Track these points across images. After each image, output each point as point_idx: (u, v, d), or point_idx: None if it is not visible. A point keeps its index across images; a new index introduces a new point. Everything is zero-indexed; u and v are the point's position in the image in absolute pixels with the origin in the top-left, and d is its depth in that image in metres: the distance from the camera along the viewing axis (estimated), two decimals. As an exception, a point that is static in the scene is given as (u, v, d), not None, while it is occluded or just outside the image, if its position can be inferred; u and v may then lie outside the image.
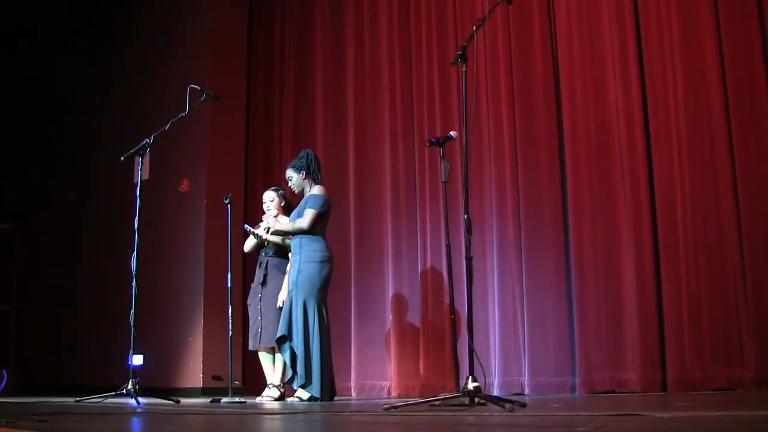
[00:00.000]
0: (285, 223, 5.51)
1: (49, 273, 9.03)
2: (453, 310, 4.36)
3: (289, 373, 5.36)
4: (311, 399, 5.18)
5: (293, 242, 5.44)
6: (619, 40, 5.47)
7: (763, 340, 4.72)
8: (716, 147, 5.06)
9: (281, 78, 7.68)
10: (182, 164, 7.58)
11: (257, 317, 5.74)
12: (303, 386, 5.19)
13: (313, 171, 5.52)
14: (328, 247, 5.42)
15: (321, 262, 5.34)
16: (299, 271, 5.30)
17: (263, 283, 5.77)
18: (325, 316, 5.35)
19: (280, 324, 5.31)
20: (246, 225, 5.86)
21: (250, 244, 5.89)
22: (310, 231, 5.34)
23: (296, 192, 5.54)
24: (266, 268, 5.80)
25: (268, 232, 5.63)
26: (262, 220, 5.81)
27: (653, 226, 5.22)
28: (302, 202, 5.45)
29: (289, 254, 5.64)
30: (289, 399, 5.36)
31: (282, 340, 5.29)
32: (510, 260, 5.72)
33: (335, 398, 5.45)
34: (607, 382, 5.17)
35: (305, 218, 5.33)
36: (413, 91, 6.59)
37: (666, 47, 5.32)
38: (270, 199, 5.91)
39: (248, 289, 6.04)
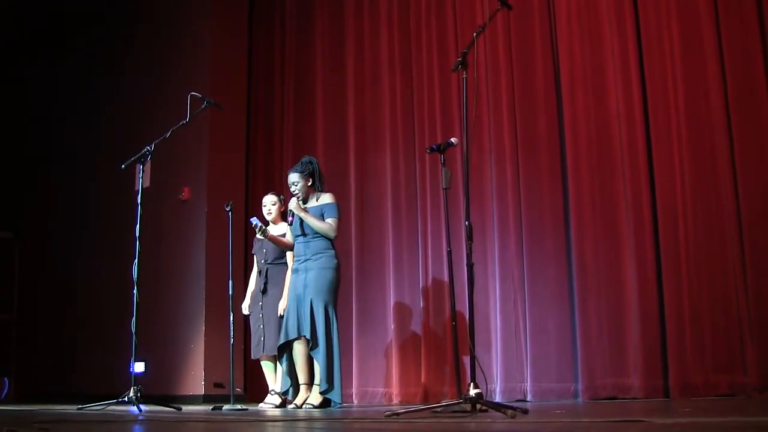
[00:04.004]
0: (313, 218, 5.30)
1: (50, 281, 9.03)
2: (455, 316, 4.34)
3: (287, 383, 5.35)
4: (323, 404, 5.16)
5: (306, 246, 5.32)
6: (620, 45, 5.48)
7: (765, 346, 4.73)
8: (717, 151, 5.07)
9: (282, 85, 7.68)
10: (183, 172, 7.59)
11: (259, 325, 5.74)
12: (324, 392, 5.16)
13: (320, 179, 5.48)
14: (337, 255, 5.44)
15: (336, 268, 5.35)
16: (317, 277, 5.25)
17: (264, 291, 5.77)
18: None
19: (299, 325, 5.21)
20: (253, 218, 5.55)
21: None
22: (328, 238, 5.35)
23: (299, 198, 5.40)
24: (266, 276, 5.79)
25: (262, 232, 5.49)
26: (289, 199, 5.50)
27: (655, 231, 5.22)
28: (315, 209, 5.35)
29: (287, 255, 5.63)
30: (304, 405, 5.23)
31: (284, 348, 5.29)
32: (511, 266, 5.72)
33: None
34: (610, 388, 5.16)
35: (333, 226, 5.32)
36: (414, 97, 6.59)
37: (666, 51, 5.33)
38: (272, 202, 5.91)
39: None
